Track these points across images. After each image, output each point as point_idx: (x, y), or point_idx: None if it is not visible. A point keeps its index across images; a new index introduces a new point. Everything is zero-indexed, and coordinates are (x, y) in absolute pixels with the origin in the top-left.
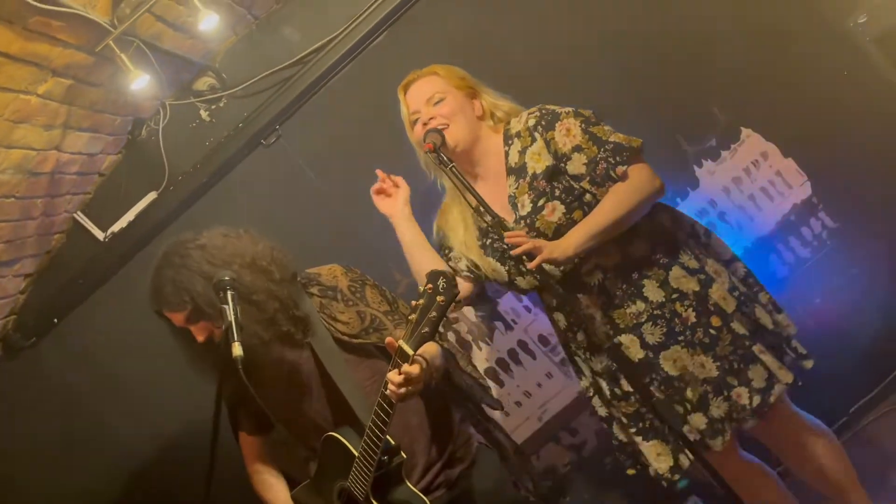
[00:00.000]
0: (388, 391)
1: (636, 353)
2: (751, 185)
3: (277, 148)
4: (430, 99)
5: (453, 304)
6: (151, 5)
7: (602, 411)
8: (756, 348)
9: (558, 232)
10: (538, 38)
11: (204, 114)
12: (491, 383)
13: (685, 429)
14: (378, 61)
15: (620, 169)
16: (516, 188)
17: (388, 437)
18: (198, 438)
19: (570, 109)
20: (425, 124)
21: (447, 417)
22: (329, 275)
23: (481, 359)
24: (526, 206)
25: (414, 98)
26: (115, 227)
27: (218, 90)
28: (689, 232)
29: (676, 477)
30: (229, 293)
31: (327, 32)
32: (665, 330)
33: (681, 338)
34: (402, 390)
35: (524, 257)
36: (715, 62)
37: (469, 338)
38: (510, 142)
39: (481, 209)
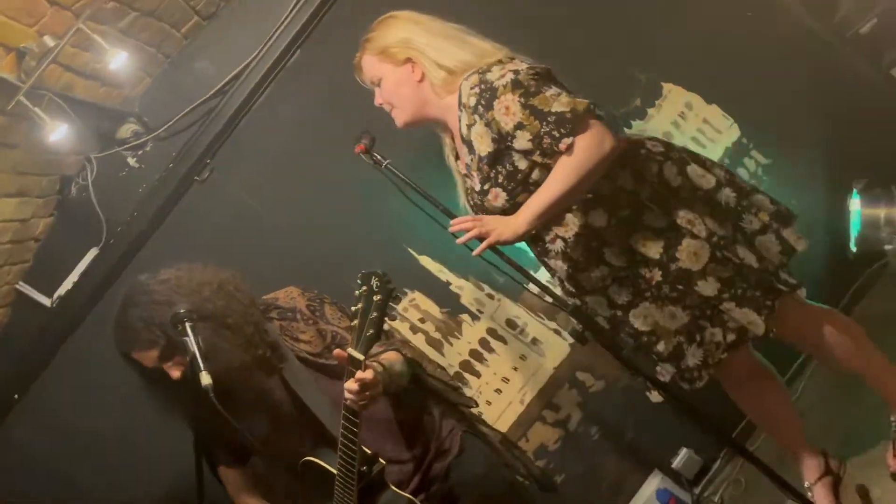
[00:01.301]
0: (348, 401)
1: (603, 311)
2: (682, 137)
3: (212, 182)
4: (372, 82)
5: (391, 300)
6: (57, 54)
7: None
8: (725, 306)
9: (506, 212)
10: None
11: (132, 161)
12: (468, 376)
13: (656, 369)
14: (297, 79)
15: (565, 142)
16: (470, 159)
17: (362, 447)
18: (180, 483)
19: (509, 80)
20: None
21: (425, 414)
22: (287, 297)
23: (454, 353)
24: (477, 184)
25: (364, 79)
26: (61, 291)
27: (142, 135)
28: (656, 184)
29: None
30: (187, 325)
31: (241, 59)
32: (631, 289)
33: (647, 294)
34: (361, 397)
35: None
36: (628, 23)
37: (438, 335)
38: (461, 109)
39: (428, 198)
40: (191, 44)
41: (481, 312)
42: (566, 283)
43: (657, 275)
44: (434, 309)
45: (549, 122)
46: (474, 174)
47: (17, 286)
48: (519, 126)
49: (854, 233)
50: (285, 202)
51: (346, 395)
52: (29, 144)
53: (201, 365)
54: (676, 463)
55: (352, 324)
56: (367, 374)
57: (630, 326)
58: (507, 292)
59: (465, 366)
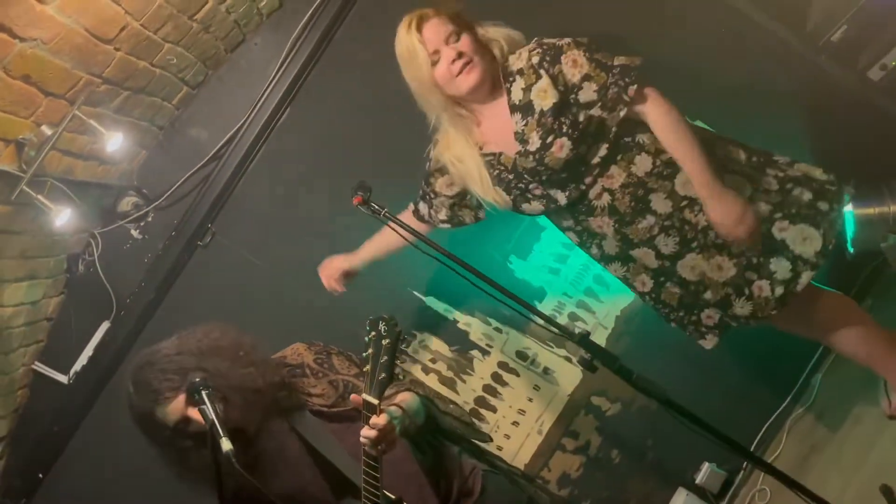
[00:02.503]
0: (366, 448)
1: (651, 262)
2: None
3: (215, 245)
4: (448, 37)
5: (399, 341)
6: (54, 142)
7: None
8: (777, 227)
9: (567, 166)
10: None
11: (135, 232)
12: (484, 411)
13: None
14: (289, 136)
15: (632, 89)
16: (524, 125)
17: (384, 492)
18: None
19: (569, 40)
20: (454, 61)
21: (446, 455)
22: (294, 354)
23: (468, 390)
24: (535, 143)
25: (431, 38)
26: (77, 367)
27: (142, 206)
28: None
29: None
30: (204, 393)
31: (233, 123)
32: (678, 239)
33: (694, 244)
34: (378, 443)
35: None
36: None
37: (451, 374)
38: (511, 79)
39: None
40: (183, 113)
41: (491, 347)
42: (613, 240)
43: (702, 219)
44: (444, 348)
45: (615, 74)
46: (531, 134)
47: (34, 366)
48: (586, 77)
49: (849, 235)
50: (287, 257)
51: (363, 441)
52: (34, 229)
53: (221, 431)
54: (700, 478)
55: (364, 369)
56: (381, 420)
57: (677, 276)
58: (514, 324)
59: (480, 401)
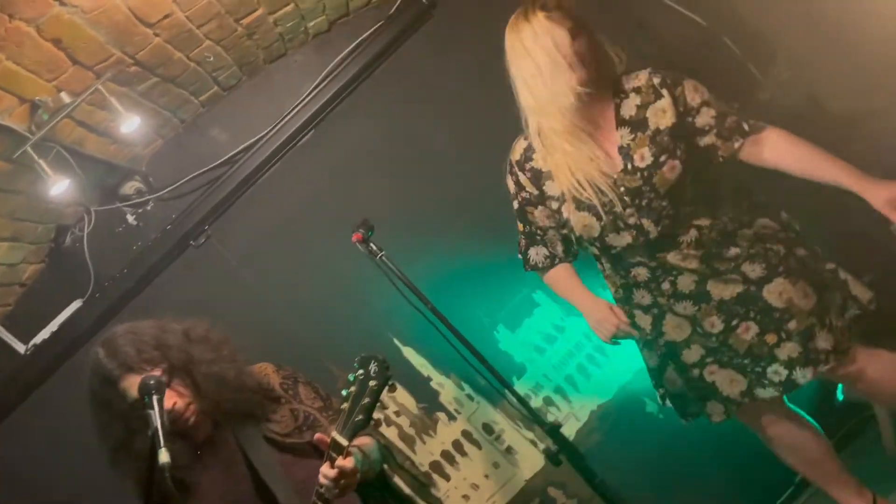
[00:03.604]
0: (322, 488)
1: (734, 290)
2: None
3: (208, 248)
4: (570, 30)
5: (387, 387)
6: (71, 111)
7: (652, 362)
8: (841, 271)
9: (672, 189)
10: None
11: (130, 218)
12: (437, 477)
13: (770, 369)
14: (306, 159)
15: (752, 122)
16: (632, 139)
17: None
18: None
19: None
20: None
21: None
22: (260, 373)
23: (426, 452)
24: (646, 159)
25: (557, 27)
26: (38, 339)
27: (145, 193)
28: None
29: (746, 400)
30: (154, 397)
31: (255, 132)
32: (764, 265)
33: (780, 269)
34: (337, 485)
35: None
36: None
37: (412, 431)
38: (623, 95)
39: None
40: (207, 111)
41: (458, 413)
42: (695, 273)
43: (782, 248)
44: (411, 403)
45: (734, 109)
46: (642, 150)
47: None
48: (705, 103)
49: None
50: (277, 277)
51: (322, 480)
52: (31, 192)
53: (161, 441)
54: None
55: (341, 407)
56: (348, 463)
57: (763, 301)
58: (488, 395)
59: (436, 467)
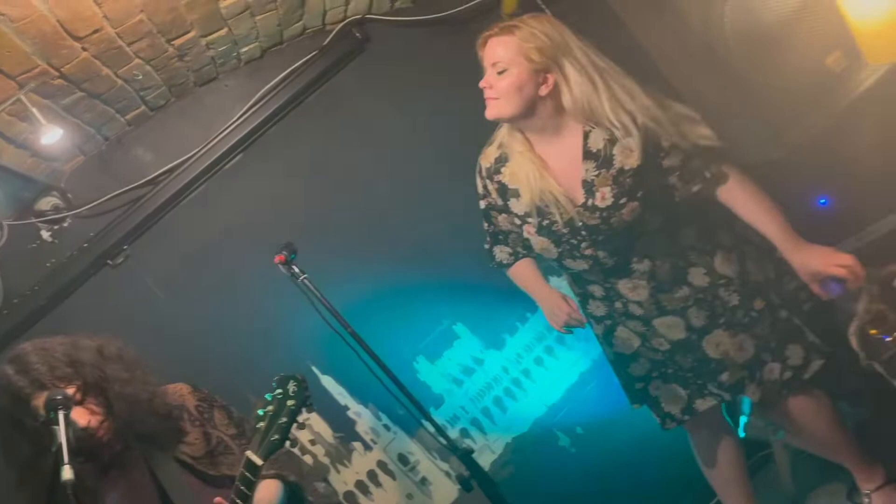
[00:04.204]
0: None
1: (677, 333)
2: None
3: (125, 269)
4: (495, 64)
5: (304, 407)
6: None
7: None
8: (798, 321)
9: (630, 227)
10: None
11: (45, 234)
12: None
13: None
14: (231, 183)
15: (714, 167)
16: (596, 175)
17: None
18: None
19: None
20: (484, 87)
21: None
22: (175, 393)
23: (340, 482)
24: (607, 199)
25: (487, 55)
26: None
27: (62, 210)
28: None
29: (687, 418)
30: (60, 413)
31: (181, 154)
32: (708, 313)
33: (722, 320)
34: None
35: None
36: None
37: (327, 460)
38: (592, 126)
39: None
40: (133, 130)
41: (375, 443)
42: (644, 304)
43: (735, 298)
44: (327, 432)
45: (699, 149)
46: (604, 189)
47: None
48: (675, 146)
49: (744, 418)
50: (196, 301)
51: None
52: None
53: (66, 458)
54: None
55: (257, 426)
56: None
57: (701, 352)
58: (404, 426)
59: (349, 497)
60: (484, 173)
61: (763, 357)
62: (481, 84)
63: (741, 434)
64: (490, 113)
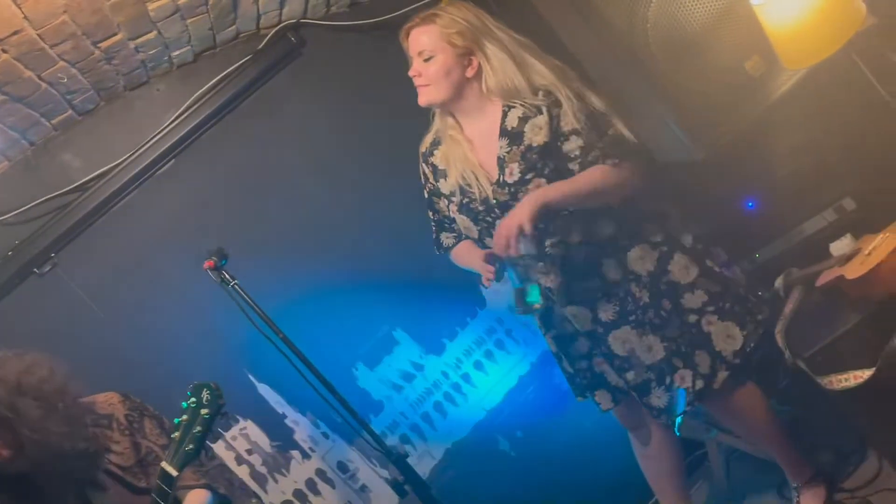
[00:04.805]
0: None
1: (584, 324)
2: None
3: (52, 277)
4: (421, 53)
5: (218, 415)
6: None
7: (552, 348)
8: (707, 319)
9: None
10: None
11: None
12: None
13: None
14: (163, 189)
15: (613, 161)
16: (507, 152)
17: None
18: None
19: (579, 92)
20: (414, 76)
21: None
22: (105, 402)
23: (278, 492)
24: (514, 175)
25: (411, 45)
26: None
27: None
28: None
29: (635, 393)
30: None
31: (111, 159)
32: (618, 308)
33: (632, 318)
34: None
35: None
36: None
37: (264, 469)
38: (512, 104)
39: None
40: (60, 135)
41: (313, 451)
42: (554, 293)
43: (645, 296)
44: (264, 441)
45: (605, 141)
46: (512, 165)
47: None
48: (575, 132)
49: (678, 418)
50: (128, 309)
51: None
52: None
53: None
54: None
55: (172, 435)
56: None
57: (606, 346)
58: (343, 434)
59: None
60: (421, 158)
61: (674, 362)
62: (410, 73)
63: (677, 433)
64: (422, 100)
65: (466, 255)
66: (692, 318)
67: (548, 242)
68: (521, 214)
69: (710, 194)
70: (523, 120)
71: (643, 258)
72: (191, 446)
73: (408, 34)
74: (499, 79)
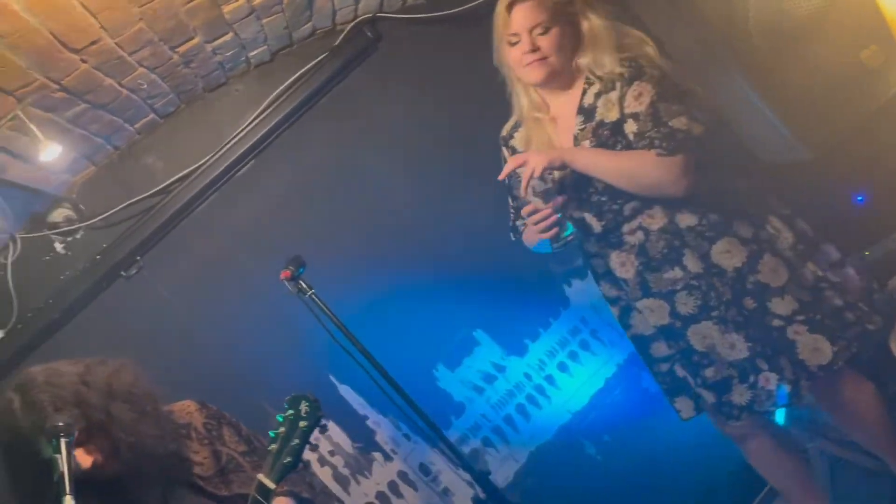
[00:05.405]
0: None
1: (661, 318)
2: None
3: (139, 279)
4: (535, 26)
5: (317, 428)
6: None
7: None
8: (795, 328)
9: (610, 187)
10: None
11: (59, 246)
12: None
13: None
14: (244, 189)
15: (661, 153)
16: (581, 129)
17: None
18: None
19: (656, 74)
20: (528, 52)
21: None
22: (182, 411)
23: (360, 493)
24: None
25: (519, 20)
26: None
27: (75, 221)
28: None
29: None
30: (63, 441)
31: (192, 161)
32: (699, 302)
33: (714, 313)
34: None
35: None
36: None
37: (347, 471)
38: (591, 81)
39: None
40: (143, 139)
41: (395, 453)
42: (630, 283)
43: (728, 292)
44: (346, 442)
45: (661, 132)
46: (584, 143)
47: None
48: (634, 116)
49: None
50: (211, 311)
51: None
52: None
53: (67, 488)
54: None
55: (269, 448)
56: None
57: (685, 340)
58: (425, 435)
59: None
60: (502, 142)
61: (758, 363)
62: (523, 49)
63: (781, 422)
64: (538, 74)
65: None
66: (776, 322)
67: (626, 228)
68: (538, 159)
69: (816, 189)
70: (597, 95)
71: (730, 252)
72: (288, 459)
73: (510, 8)
74: (595, 53)
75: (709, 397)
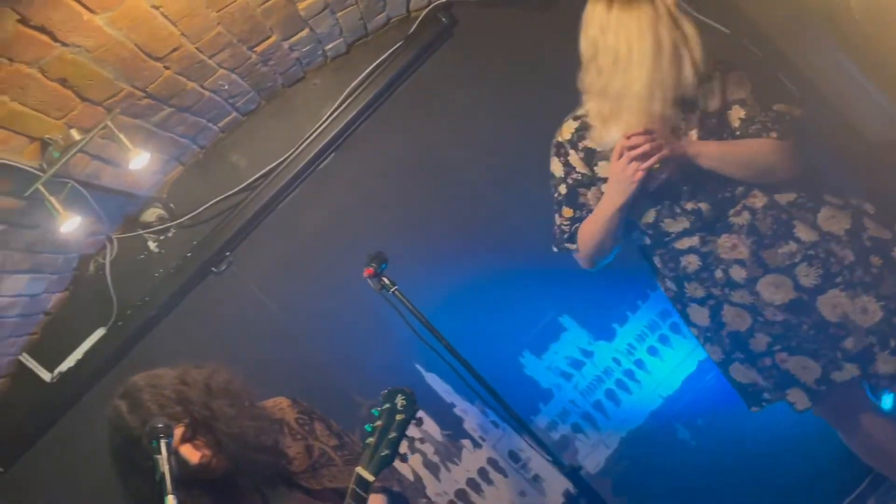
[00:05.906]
0: None
1: (785, 294)
2: None
3: (229, 274)
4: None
5: (413, 421)
6: (81, 147)
7: (717, 356)
8: None
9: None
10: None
11: (152, 245)
12: None
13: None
14: (326, 182)
15: (773, 136)
16: (682, 119)
17: None
18: None
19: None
20: None
21: None
22: (275, 408)
23: (451, 480)
24: (693, 140)
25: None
26: (63, 367)
27: (166, 220)
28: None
29: (823, 388)
30: (163, 442)
31: (275, 157)
32: (822, 272)
33: (838, 279)
34: None
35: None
36: None
37: (436, 459)
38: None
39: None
40: (227, 137)
41: (484, 440)
42: (746, 265)
43: (850, 255)
44: (435, 430)
45: (769, 115)
46: (690, 133)
47: (21, 357)
48: (741, 102)
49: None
50: (297, 304)
51: None
52: (48, 226)
53: (169, 488)
54: None
55: (366, 441)
56: None
57: (817, 314)
58: (513, 423)
59: (461, 495)
60: (566, 147)
61: (895, 322)
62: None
63: (886, 406)
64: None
65: (596, 211)
66: None
67: (731, 211)
68: (676, 146)
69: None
70: (702, 83)
71: (835, 217)
72: (386, 451)
73: (611, 6)
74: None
75: (852, 370)
